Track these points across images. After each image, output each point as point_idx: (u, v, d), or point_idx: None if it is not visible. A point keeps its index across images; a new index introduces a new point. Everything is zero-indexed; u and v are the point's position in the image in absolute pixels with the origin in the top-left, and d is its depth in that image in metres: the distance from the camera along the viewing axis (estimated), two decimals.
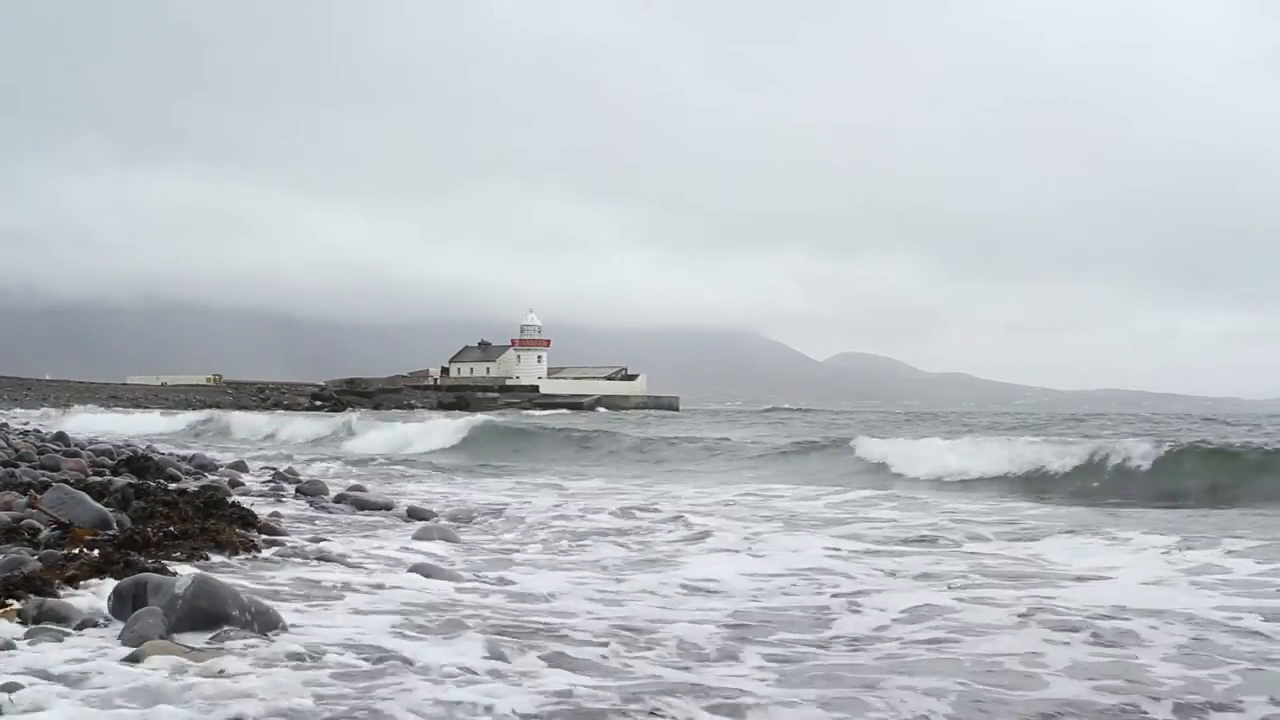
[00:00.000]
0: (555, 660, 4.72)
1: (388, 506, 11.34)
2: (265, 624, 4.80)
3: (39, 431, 24.20)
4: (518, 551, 8.37)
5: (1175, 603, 6.18)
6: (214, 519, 8.23)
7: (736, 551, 8.44)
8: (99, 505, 8.07)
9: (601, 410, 78.55)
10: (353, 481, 14.65)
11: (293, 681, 4.11)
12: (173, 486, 11.05)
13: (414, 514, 10.68)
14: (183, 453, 20.11)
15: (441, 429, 29.46)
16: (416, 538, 8.70)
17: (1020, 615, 5.76)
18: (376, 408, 79.96)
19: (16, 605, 4.96)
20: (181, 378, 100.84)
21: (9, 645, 4.40)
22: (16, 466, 11.93)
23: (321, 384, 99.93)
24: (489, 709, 3.89)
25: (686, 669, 4.65)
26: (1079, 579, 7.09)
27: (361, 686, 4.12)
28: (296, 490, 12.99)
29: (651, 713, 3.96)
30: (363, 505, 11.35)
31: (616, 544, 8.91)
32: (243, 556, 7.02)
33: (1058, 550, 8.57)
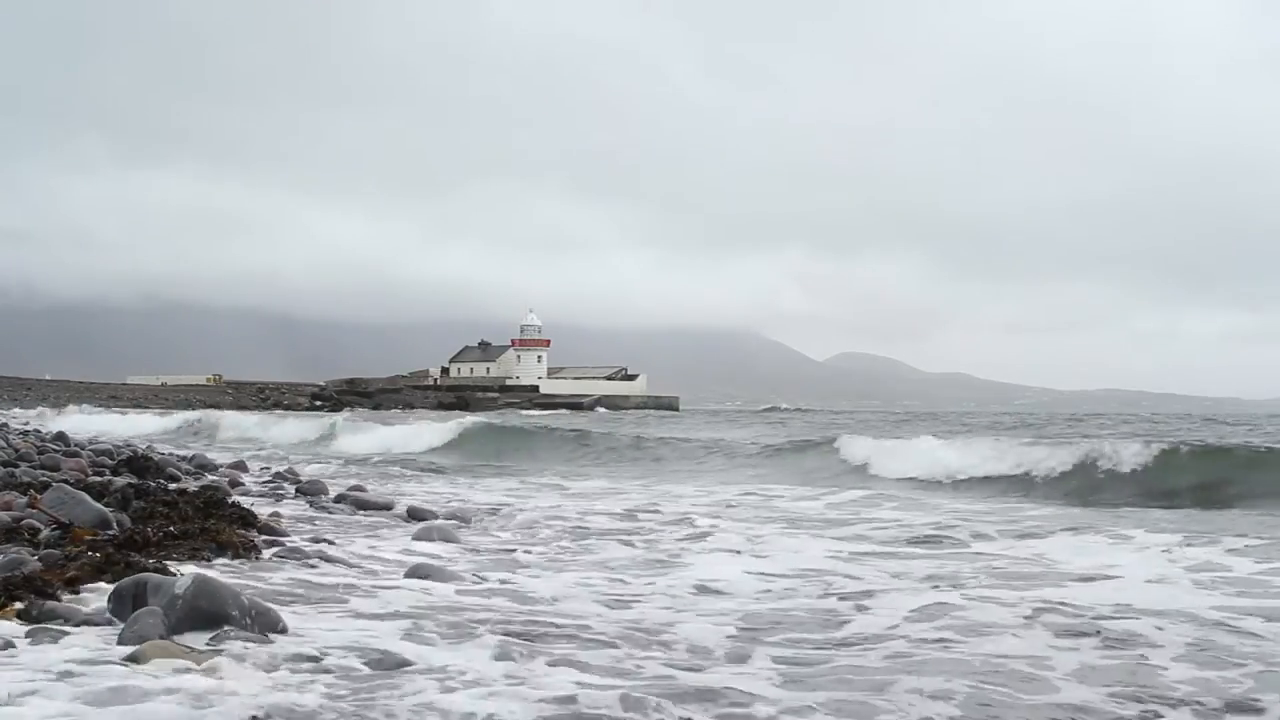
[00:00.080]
0: (563, 662, 4.68)
1: (388, 506, 11.33)
2: (265, 625, 4.80)
3: (39, 431, 24.22)
4: (519, 552, 8.35)
5: (1180, 602, 6.17)
6: (214, 519, 8.22)
7: (739, 552, 8.42)
8: (99, 505, 8.07)
9: (601, 410, 78.54)
10: (352, 481, 14.66)
11: (293, 683, 4.11)
12: (173, 486, 11.05)
13: (414, 514, 10.68)
14: (182, 453, 20.12)
15: (433, 429, 29.31)
16: (417, 538, 8.71)
17: (1027, 616, 5.75)
18: (376, 408, 79.94)
19: (17, 605, 4.98)
20: (181, 378, 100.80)
21: (9, 645, 4.41)
22: (16, 466, 11.94)
23: (321, 384, 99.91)
24: (492, 714, 3.86)
25: (697, 671, 4.62)
26: (1083, 578, 7.08)
27: (363, 689, 4.11)
28: (296, 490, 12.99)
29: (663, 716, 3.93)
30: (363, 505, 11.35)
31: (619, 545, 8.89)
32: (243, 560, 7.01)
33: (1061, 549, 8.57)
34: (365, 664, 4.49)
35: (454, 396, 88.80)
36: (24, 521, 7.37)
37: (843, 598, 6.47)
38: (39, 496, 8.26)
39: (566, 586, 6.69)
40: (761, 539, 9.37)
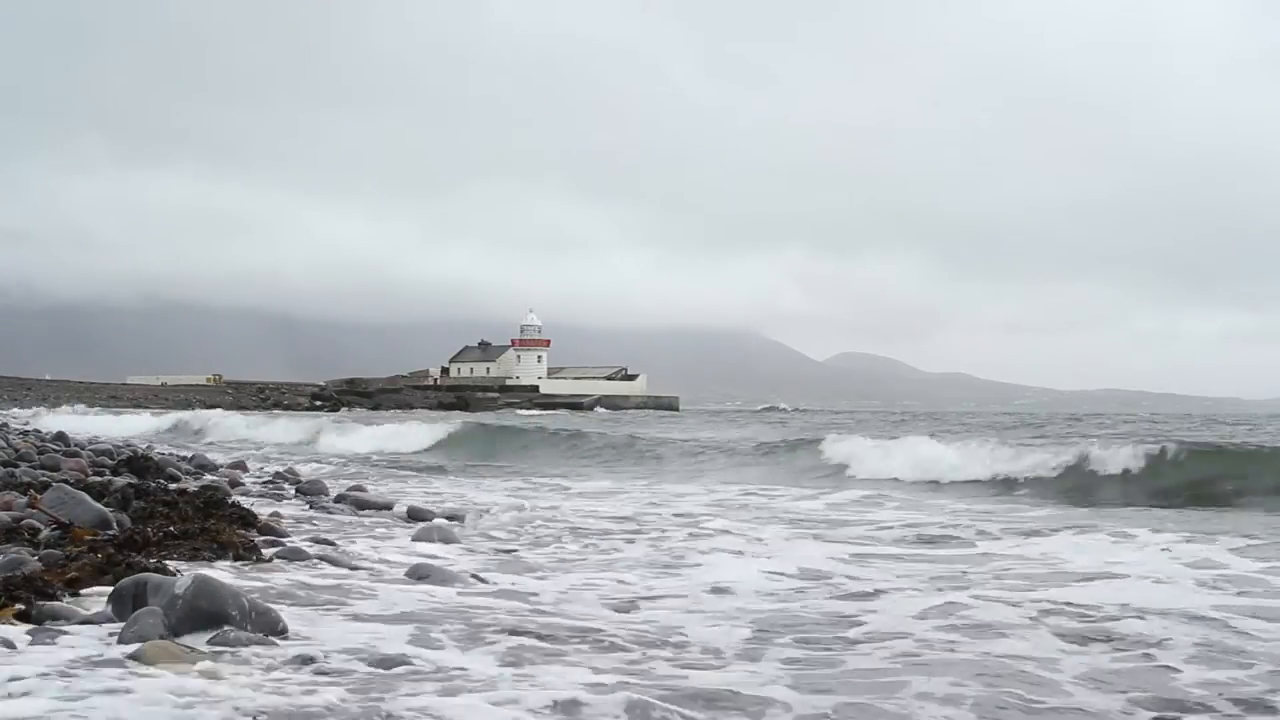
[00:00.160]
0: (569, 665, 4.65)
1: (387, 506, 11.34)
2: (266, 626, 4.79)
3: (39, 431, 24.23)
4: (519, 552, 8.35)
5: (1186, 602, 6.15)
6: (214, 519, 8.22)
7: (743, 553, 8.38)
8: (99, 505, 8.07)
9: (601, 410, 78.56)
10: (350, 481, 14.67)
11: (293, 684, 4.10)
12: (173, 486, 11.05)
13: (414, 514, 10.68)
14: (182, 453, 20.13)
15: (426, 430, 29.24)
16: (417, 538, 8.70)
17: (1034, 616, 5.72)
18: (376, 408, 79.99)
19: (17, 605, 4.98)
20: (181, 378, 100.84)
21: (9, 645, 4.41)
22: (16, 466, 11.95)
23: (321, 384, 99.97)
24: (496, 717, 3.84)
25: (707, 674, 4.57)
26: (1089, 578, 7.06)
27: (364, 691, 4.09)
28: (296, 490, 13.00)
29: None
30: (362, 505, 11.36)
31: (622, 546, 8.88)
32: (243, 561, 7.01)
33: (1065, 550, 8.56)
34: (366, 666, 4.47)
35: (454, 396, 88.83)
36: (24, 521, 7.37)
37: (850, 598, 6.45)
38: (39, 496, 8.26)
39: (571, 587, 6.66)
40: (765, 539, 9.36)
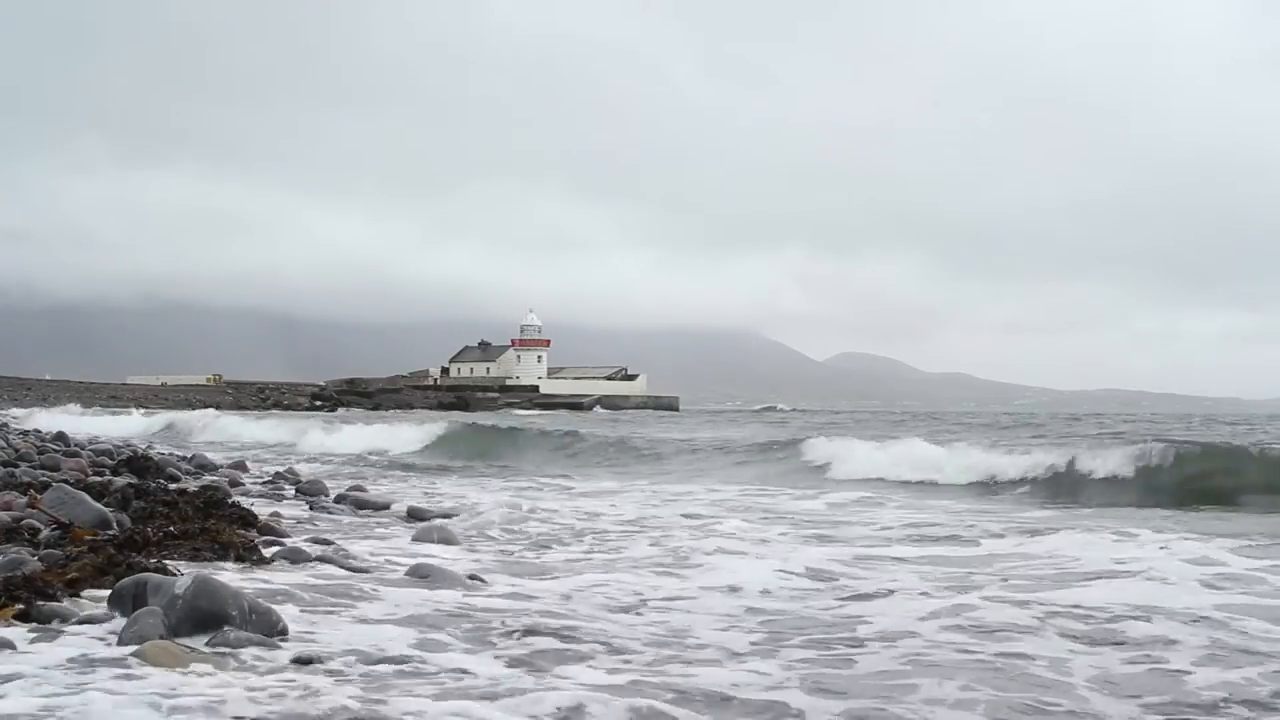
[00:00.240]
0: (574, 666, 4.63)
1: (387, 507, 11.35)
2: (266, 626, 4.79)
3: (38, 431, 24.24)
4: (520, 553, 8.35)
5: (1191, 602, 6.13)
6: (214, 519, 8.22)
7: (746, 554, 8.33)
8: (99, 505, 8.07)
9: (601, 410, 78.56)
10: (349, 482, 14.66)
11: (292, 685, 4.09)
12: (173, 486, 11.05)
13: (414, 514, 10.69)
14: (182, 453, 20.13)
15: (420, 430, 29.11)
16: (418, 539, 8.70)
17: (1042, 617, 5.71)
18: (376, 408, 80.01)
19: (17, 605, 4.98)
20: (181, 378, 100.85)
21: (8, 645, 4.41)
22: (16, 466, 11.95)
23: (321, 384, 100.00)
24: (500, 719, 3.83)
25: (717, 678, 4.51)
26: (1095, 579, 7.02)
27: (364, 692, 4.07)
28: (296, 490, 13.00)
29: None
30: (362, 505, 11.36)
31: (625, 546, 8.85)
32: (243, 561, 7.01)
33: (1069, 550, 8.52)
34: (367, 666, 4.47)
35: (454, 396, 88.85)
36: (24, 521, 7.37)
37: (857, 599, 6.42)
38: (39, 496, 8.26)
39: (574, 588, 6.62)
40: (769, 539, 9.33)
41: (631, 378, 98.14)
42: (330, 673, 4.32)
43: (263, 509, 9.94)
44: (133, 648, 4.37)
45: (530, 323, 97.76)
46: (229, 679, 4.09)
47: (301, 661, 4.42)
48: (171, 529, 7.44)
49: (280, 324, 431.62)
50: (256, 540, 7.54)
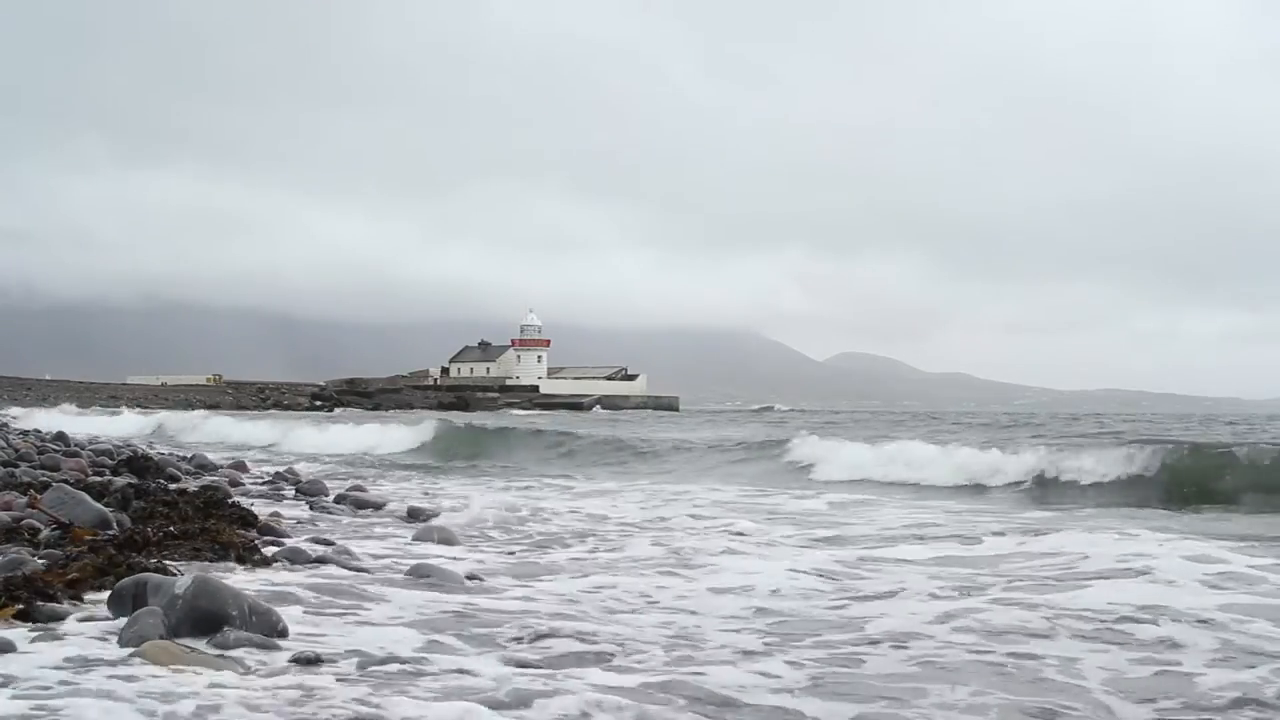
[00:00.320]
0: (578, 667, 4.60)
1: (387, 506, 11.35)
2: (266, 626, 4.77)
3: (38, 431, 24.24)
4: (520, 553, 8.33)
5: (1195, 602, 6.10)
6: (214, 519, 8.21)
7: (750, 554, 8.32)
8: (99, 505, 8.06)
9: (600, 410, 78.55)
10: (349, 482, 14.65)
11: (292, 685, 4.08)
12: (173, 486, 11.05)
13: (414, 514, 10.68)
14: (182, 453, 20.13)
15: (416, 430, 29.17)
16: (418, 539, 8.69)
17: (1050, 618, 5.68)
18: (376, 408, 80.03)
19: (17, 605, 4.98)
20: (181, 378, 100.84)
21: (8, 645, 4.41)
22: (16, 466, 11.95)
23: (321, 384, 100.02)
24: None
25: (725, 682, 4.47)
26: (1099, 578, 6.98)
27: (364, 693, 4.06)
28: (296, 490, 13.00)
29: None
30: (362, 505, 11.36)
31: (624, 546, 8.83)
32: (243, 561, 7.01)
33: (1070, 550, 8.50)
34: (368, 667, 4.45)
35: (454, 396, 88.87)
36: (24, 521, 7.37)
37: (866, 599, 6.40)
38: (39, 496, 8.26)
39: (577, 589, 6.60)
40: (773, 539, 9.32)
41: (631, 378, 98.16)
42: (331, 674, 4.31)
43: (263, 509, 9.93)
44: (133, 648, 4.36)
45: (530, 323, 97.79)
46: (229, 679, 4.08)
47: (302, 662, 4.41)
48: (171, 529, 7.43)
49: (280, 324, 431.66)
50: (257, 540, 7.53)
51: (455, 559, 7.66)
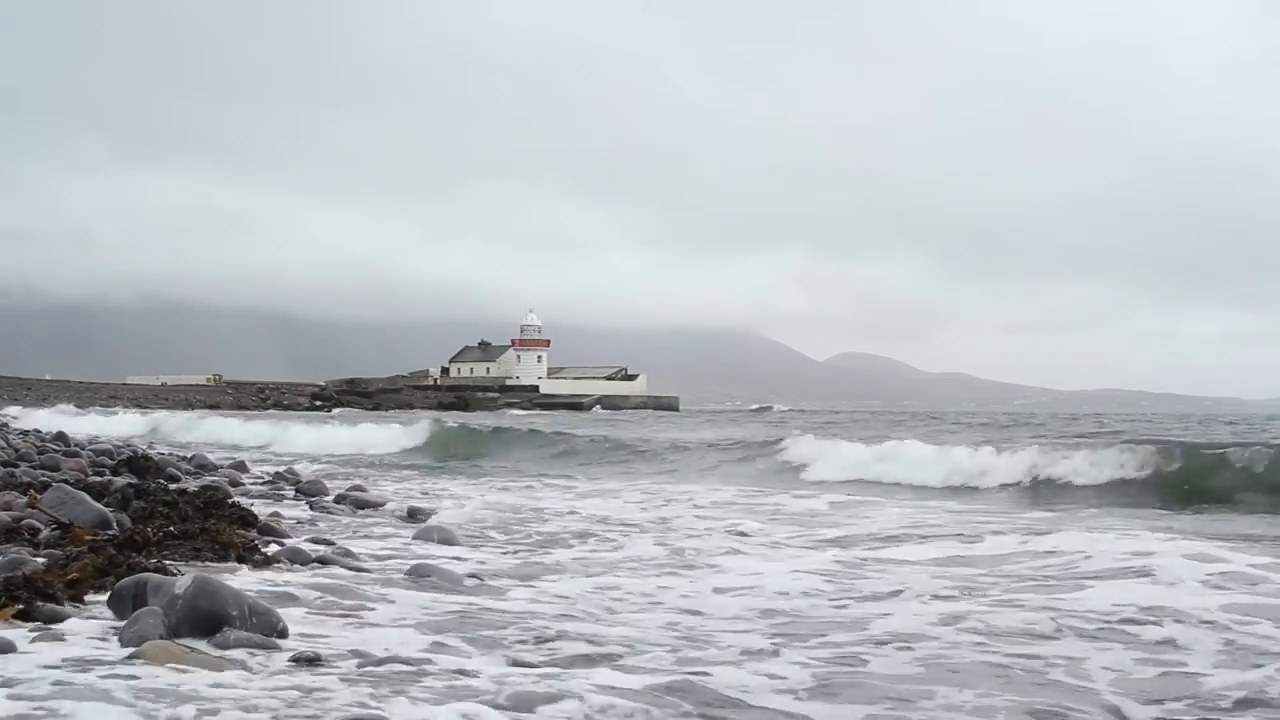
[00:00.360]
0: (580, 668, 4.58)
1: (387, 506, 11.34)
2: (266, 627, 4.76)
3: (38, 431, 24.23)
4: (520, 553, 8.32)
5: (1199, 602, 6.09)
6: (214, 519, 8.20)
7: (752, 554, 8.30)
8: (99, 505, 8.05)
9: (601, 410, 78.54)
10: (349, 482, 14.65)
11: (291, 686, 4.07)
12: (173, 486, 11.04)
13: (414, 514, 10.67)
14: (182, 453, 20.13)
15: (417, 429, 29.10)
16: (418, 538, 8.68)
17: (1055, 619, 5.66)
18: (376, 408, 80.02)
19: (17, 606, 4.97)
20: (181, 378, 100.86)
21: (8, 645, 4.40)
22: (16, 466, 11.94)
23: (321, 384, 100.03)
24: None
25: (729, 683, 4.43)
26: (1102, 579, 6.97)
27: (364, 694, 4.04)
28: (296, 490, 12.99)
29: None
30: (362, 505, 11.35)
31: (626, 547, 8.82)
32: (243, 561, 7.00)
33: (1072, 550, 8.50)
34: (367, 667, 4.43)
35: (454, 396, 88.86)
36: (24, 521, 7.35)
37: (870, 599, 6.39)
38: (39, 496, 8.25)
39: (579, 589, 6.58)
40: (776, 539, 9.30)
41: (631, 378, 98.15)
42: (332, 674, 4.30)
43: (263, 509, 9.93)
44: (133, 648, 4.36)
45: (530, 323, 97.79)
46: (229, 680, 4.08)
47: (302, 662, 4.40)
48: (171, 529, 7.42)
49: (280, 324, 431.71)
50: (257, 540, 7.52)
51: (456, 559, 7.66)
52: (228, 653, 4.43)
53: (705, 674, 4.55)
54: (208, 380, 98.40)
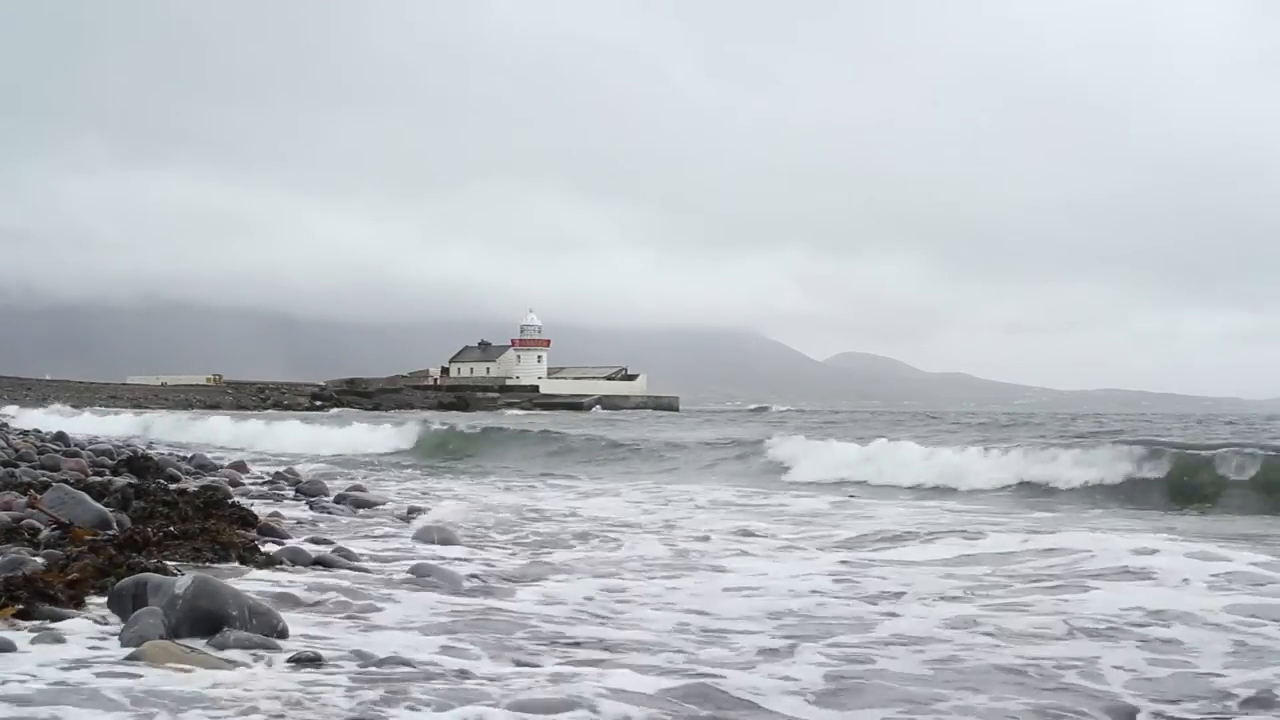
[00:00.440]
0: (582, 669, 4.55)
1: (387, 506, 11.33)
2: (266, 627, 4.75)
3: (38, 431, 24.23)
4: (521, 553, 8.30)
5: (1205, 603, 6.08)
6: (214, 519, 8.19)
7: (757, 555, 8.27)
8: (99, 505, 8.04)
9: (601, 410, 78.55)
10: (349, 482, 14.64)
11: (291, 686, 4.05)
12: (173, 486, 11.03)
13: (414, 514, 10.66)
14: (183, 453, 20.12)
15: (416, 429, 29.02)
16: (418, 539, 8.66)
17: (1064, 619, 5.65)
18: (376, 408, 80.00)
19: (17, 606, 4.96)
20: (181, 378, 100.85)
21: (8, 645, 4.39)
22: (16, 466, 11.93)
23: (321, 384, 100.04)
24: None
25: (737, 685, 4.40)
26: (1108, 579, 6.95)
27: (363, 694, 4.03)
28: (296, 490, 12.98)
29: None
30: (362, 505, 11.34)
31: (628, 547, 8.78)
32: (244, 561, 6.99)
33: (1076, 551, 8.49)
34: (367, 667, 4.41)
35: (454, 396, 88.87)
36: (24, 521, 7.35)
37: (877, 599, 6.37)
38: (39, 496, 8.24)
39: (580, 590, 6.56)
40: (779, 539, 9.28)
41: (631, 378, 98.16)
42: (331, 675, 4.28)
43: (263, 509, 9.92)
44: (133, 648, 4.34)
45: (530, 323, 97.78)
46: (229, 680, 4.07)
47: (302, 663, 4.39)
48: (172, 529, 7.41)
49: (280, 324, 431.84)
50: (257, 540, 7.52)
51: (456, 559, 7.64)
52: (228, 653, 4.42)
53: (718, 675, 4.52)
54: (208, 380, 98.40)
